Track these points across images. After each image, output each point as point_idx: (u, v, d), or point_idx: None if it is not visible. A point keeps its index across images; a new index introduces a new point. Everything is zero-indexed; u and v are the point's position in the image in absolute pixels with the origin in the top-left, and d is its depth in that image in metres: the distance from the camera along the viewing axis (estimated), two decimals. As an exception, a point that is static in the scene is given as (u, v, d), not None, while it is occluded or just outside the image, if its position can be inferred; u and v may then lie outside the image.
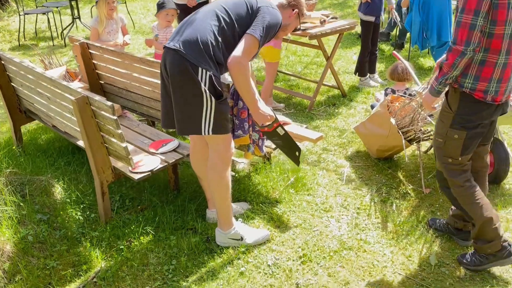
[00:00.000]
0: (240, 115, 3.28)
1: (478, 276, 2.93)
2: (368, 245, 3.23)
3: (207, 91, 2.79)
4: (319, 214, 3.56)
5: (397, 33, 7.68)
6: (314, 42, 5.46)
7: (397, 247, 3.21)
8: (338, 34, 5.42)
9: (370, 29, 5.93)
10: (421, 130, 3.88)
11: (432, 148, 4.32)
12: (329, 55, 5.48)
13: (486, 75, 2.61)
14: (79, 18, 8.84)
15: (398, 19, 6.91)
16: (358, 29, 6.49)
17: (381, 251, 3.18)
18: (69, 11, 9.43)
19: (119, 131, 3.01)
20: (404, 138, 3.93)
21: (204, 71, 2.78)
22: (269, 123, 3.04)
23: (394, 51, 4.88)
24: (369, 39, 5.99)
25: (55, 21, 9.07)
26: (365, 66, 6.11)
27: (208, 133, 2.91)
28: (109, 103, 2.95)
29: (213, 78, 2.81)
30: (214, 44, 2.83)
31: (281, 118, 3.79)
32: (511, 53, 2.60)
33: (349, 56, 7.39)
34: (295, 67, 7.02)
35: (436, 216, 3.50)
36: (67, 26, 8.78)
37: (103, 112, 3.04)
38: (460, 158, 2.81)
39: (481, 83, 2.62)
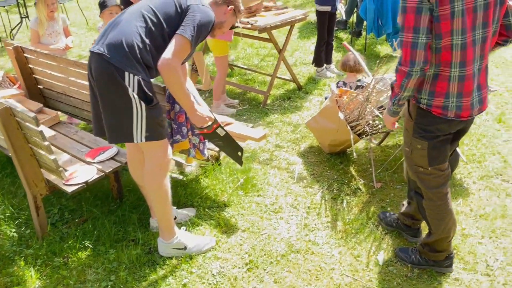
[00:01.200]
0: (177, 119, 3.13)
1: (426, 273, 2.87)
2: (316, 246, 3.14)
3: (136, 96, 2.64)
4: (268, 216, 3.45)
5: (354, 21, 7.59)
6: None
7: (345, 247, 3.12)
8: (289, 26, 5.28)
9: (325, 19, 5.81)
10: (369, 124, 3.79)
11: (385, 140, 4.26)
12: (281, 48, 5.34)
13: (441, 89, 2.39)
14: (27, 17, 8.50)
15: (343, 11, 6.88)
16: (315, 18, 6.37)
17: (329, 252, 3.09)
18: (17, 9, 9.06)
19: (46, 143, 2.83)
20: (354, 133, 3.84)
21: (131, 75, 2.62)
22: (208, 124, 2.92)
23: (345, 42, 4.77)
24: (325, 29, 5.88)
25: (3, 21, 8.70)
26: (321, 57, 6.00)
27: (141, 141, 2.76)
28: (32, 115, 2.77)
29: (141, 82, 2.66)
30: (141, 46, 2.67)
31: (223, 118, 3.66)
32: (467, 65, 2.32)
33: (307, 47, 7.27)
34: (252, 60, 6.87)
35: (386, 211, 3.43)
36: (16, 26, 8.43)
37: (28, 124, 2.85)
38: (429, 168, 2.61)
39: (437, 98, 2.40)
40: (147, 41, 2.69)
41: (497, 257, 2.95)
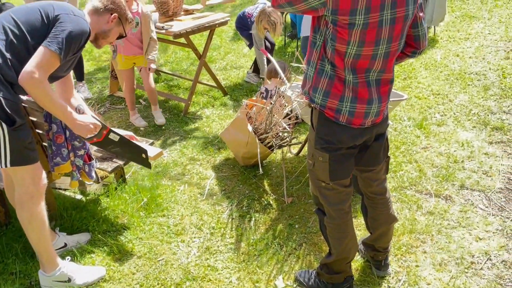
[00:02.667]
0: (56, 140, 2.85)
1: (324, 299, 2.70)
2: (215, 272, 2.93)
3: None
4: (169, 239, 3.22)
5: (290, 23, 7.43)
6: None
7: (245, 271, 2.92)
8: (209, 31, 5.05)
9: None
10: (279, 135, 3.61)
11: (302, 150, 4.09)
12: (201, 54, 5.11)
13: (337, 91, 2.22)
14: None
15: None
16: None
17: (228, 278, 2.88)
18: None
19: None
20: (265, 145, 3.65)
21: None
22: (95, 132, 2.67)
23: (263, 48, 4.58)
24: None
25: None
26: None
27: (6, 166, 2.49)
28: None
29: (2, 102, 2.40)
30: (0, 61, 2.42)
31: (124, 132, 3.40)
32: (358, 72, 2.18)
33: (240, 49, 7.06)
34: (181, 64, 6.61)
35: (293, 228, 3.25)
36: None
37: None
38: (331, 183, 2.43)
39: (331, 100, 2.24)
40: (8, 55, 2.44)
41: (399, 277, 2.81)
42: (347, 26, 2.06)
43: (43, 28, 2.50)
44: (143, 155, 3.04)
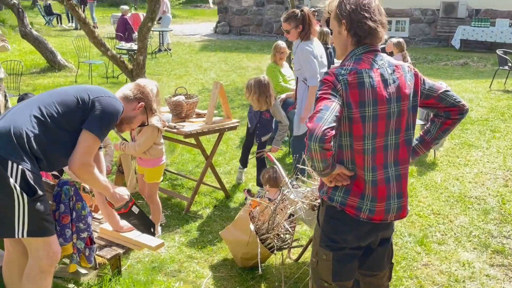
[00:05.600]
0: (61, 221, 2.87)
1: None
2: None
3: (18, 187, 2.47)
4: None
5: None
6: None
7: None
8: (218, 134, 5.25)
9: None
10: (280, 237, 3.60)
11: (302, 256, 4.04)
12: (208, 154, 5.25)
13: (358, 189, 2.30)
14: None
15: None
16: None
17: None
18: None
19: None
20: (265, 246, 3.63)
21: (14, 164, 2.47)
22: (123, 203, 3.01)
23: (269, 152, 4.73)
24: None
25: None
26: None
27: (23, 236, 2.53)
28: None
29: (26, 172, 2.50)
30: (30, 136, 2.56)
31: (126, 223, 3.42)
32: (378, 169, 2.28)
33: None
34: (187, 165, 6.75)
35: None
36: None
37: None
38: (333, 284, 2.41)
39: (352, 197, 2.31)
40: (38, 132, 2.60)
41: None
42: (360, 120, 2.22)
43: (77, 110, 2.70)
44: (152, 229, 3.42)
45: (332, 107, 2.14)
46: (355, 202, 2.31)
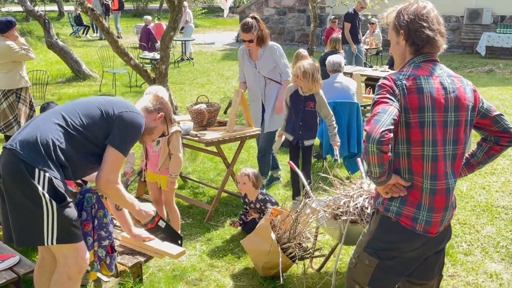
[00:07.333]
0: (83, 228, 2.88)
1: None
2: None
3: (46, 194, 2.50)
4: None
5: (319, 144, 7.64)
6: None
7: None
8: (239, 142, 5.24)
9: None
10: (301, 246, 3.56)
11: (324, 266, 3.99)
12: (229, 162, 5.25)
13: (414, 199, 2.28)
14: None
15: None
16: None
17: None
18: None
19: None
20: (287, 255, 3.59)
21: (41, 172, 2.51)
22: (150, 219, 3.06)
23: (290, 161, 4.69)
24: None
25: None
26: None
27: (52, 243, 2.56)
28: None
29: (53, 180, 2.53)
30: (56, 144, 2.60)
31: (146, 233, 3.43)
32: (439, 179, 2.25)
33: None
34: (208, 174, 6.76)
35: None
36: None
37: None
38: None
39: (408, 207, 2.28)
40: (63, 140, 2.63)
41: None
42: (419, 125, 2.20)
43: (101, 122, 2.74)
44: (179, 241, 3.49)
45: (389, 111, 2.15)
46: (411, 212, 2.28)
